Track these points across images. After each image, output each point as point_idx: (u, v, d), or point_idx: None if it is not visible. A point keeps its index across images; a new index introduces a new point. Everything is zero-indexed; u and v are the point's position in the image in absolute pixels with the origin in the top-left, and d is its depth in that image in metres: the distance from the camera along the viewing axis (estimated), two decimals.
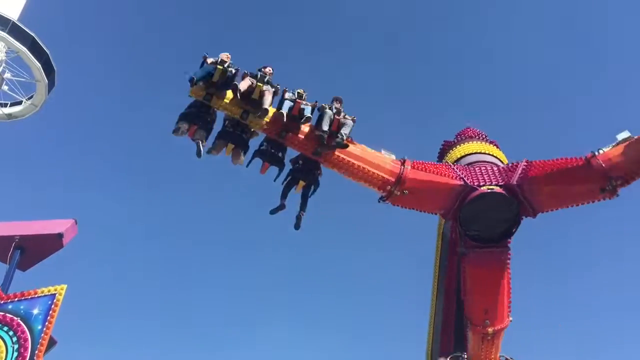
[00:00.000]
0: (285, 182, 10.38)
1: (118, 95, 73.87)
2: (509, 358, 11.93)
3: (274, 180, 10.28)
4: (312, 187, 10.36)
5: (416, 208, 10.58)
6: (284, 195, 10.28)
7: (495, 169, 10.48)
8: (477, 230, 10.04)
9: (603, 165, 9.32)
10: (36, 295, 13.56)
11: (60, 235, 14.97)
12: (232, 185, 70.94)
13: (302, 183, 10.32)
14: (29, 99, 39.69)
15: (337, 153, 9.95)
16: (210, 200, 72.23)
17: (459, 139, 12.42)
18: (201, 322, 65.17)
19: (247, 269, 70.31)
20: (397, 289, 59.35)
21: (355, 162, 9.96)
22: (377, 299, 63.24)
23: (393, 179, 9.88)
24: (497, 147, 12.19)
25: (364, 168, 9.93)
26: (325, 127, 9.74)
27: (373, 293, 64.59)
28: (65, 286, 13.81)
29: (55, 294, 13.56)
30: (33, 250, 14.84)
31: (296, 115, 10.03)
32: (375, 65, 76.91)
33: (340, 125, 9.88)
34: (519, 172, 10.00)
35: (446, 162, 11.90)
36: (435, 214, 10.97)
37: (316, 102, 10.29)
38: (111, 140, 73.49)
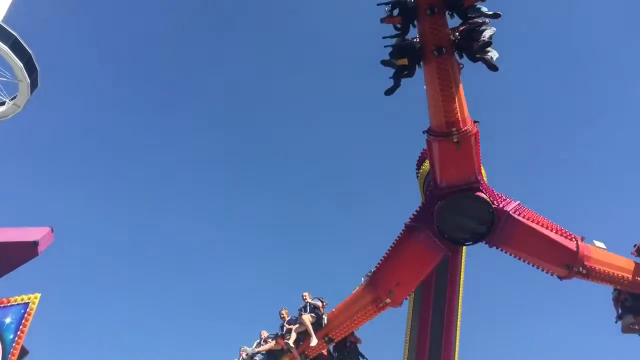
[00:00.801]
0: None
1: (103, 97, 72.94)
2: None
3: None
4: None
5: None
6: None
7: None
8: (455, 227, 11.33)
9: (583, 252, 10.73)
10: (9, 304, 13.38)
11: (35, 243, 14.77)
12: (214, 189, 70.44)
13: None
14: (12, 99, 39.40)
15: None
16: (194, 205, 71.41)
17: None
18: (182, 331, 64.45)
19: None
20: None
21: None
22: None
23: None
24: None
25: None
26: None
27: None
28: (39, 295, 13.68)
29: (28, 303, 13.43)
30: (7, 258, 14.58)
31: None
32: None
33: None
34: (514, 208, 11.12)
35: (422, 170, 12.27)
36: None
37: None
38: (91, 146, 72.24)
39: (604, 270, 11.03)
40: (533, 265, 11.29)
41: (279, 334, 12.86)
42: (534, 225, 10.99)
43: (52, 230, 16.08)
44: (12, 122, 40.17)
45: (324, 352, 12.88)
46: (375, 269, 11.95)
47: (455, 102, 9.92)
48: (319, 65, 77.38)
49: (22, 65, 37.54)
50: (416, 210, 11.97)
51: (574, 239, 10.97)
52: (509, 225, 10.96)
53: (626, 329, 11.66)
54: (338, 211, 70.12)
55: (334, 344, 12.77)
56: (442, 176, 11.18)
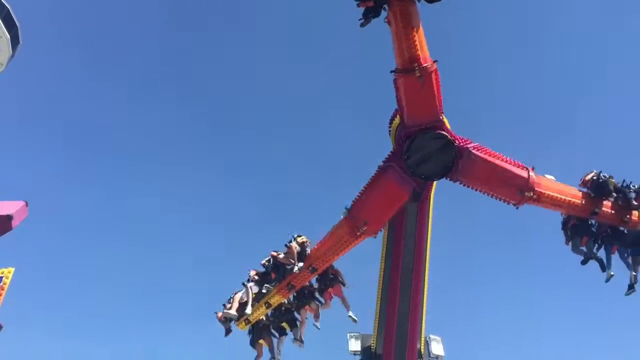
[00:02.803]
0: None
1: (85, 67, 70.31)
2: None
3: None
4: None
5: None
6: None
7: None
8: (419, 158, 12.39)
9: (533, 179, 12.15)
10: None
11: (9, 217, 14.79)
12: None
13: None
14: None
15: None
16: (166, 186, 70.33)
17: None
18: (158, 305, 64.05)
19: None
20: None
21: None
22: None
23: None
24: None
25: None
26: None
27: None
28: (12, 269, 13.75)
29: (1, 277, 13.54)
30: None
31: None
32: None
33: None
34: (474, 145, 12.36)
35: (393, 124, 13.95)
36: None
37: None
38: (69, 119, 70.15)
39: (553, 196, 12.46)
40: (490, 195, 12.64)
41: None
42: (491, 159, 12.37)
43: (27, 205, 16.01)
44: None
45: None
46: (352, 202, 13.13)
47: (416, 41, 11.36)
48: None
49: None
50: (388, 155, 13.36)
51: (525, 169, 12.39)
52: (470, 161, 12.25)
53: (575, 250, 13.06)
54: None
55: (317, 274, 14.06)
56: (409, 114, 12.45)
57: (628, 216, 12.52)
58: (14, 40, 37.83)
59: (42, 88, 67.02)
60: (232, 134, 73.47)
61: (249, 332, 14.70)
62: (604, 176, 12.74)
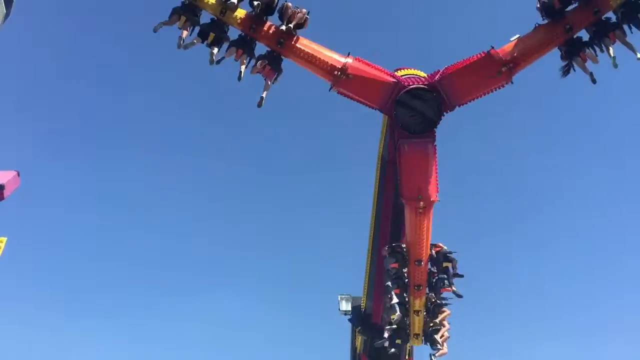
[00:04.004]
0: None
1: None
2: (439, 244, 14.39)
3: (245, 67, 12.22)
4: (276, 73, 12.42)
5: (359, 98, 12.51)
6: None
7: (422, 78, 12.56)
8: (407, 121, 12.14)
9: (499, 53, 11.74)
10: None
11: (1, 187, 14.91)
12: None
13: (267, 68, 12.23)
14: None
15: (297, 45, 12.17)
16: (161, 163, 68.82)
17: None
18: (153, 285, 64.27)
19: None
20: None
21: (310, 51, 12.20)
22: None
23: (340, 65, 12.03)
24: None
25: (317, 56, 12.11)
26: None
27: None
28: (4, 239, 13.95)
29: None
30: None
31: (264, 6, 11.99)
32: None
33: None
34: (439, 74, 12.19)
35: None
36: (375, 108, 12.70)
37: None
38: (64, 88, 68.19)
39: (528, 52, 11.89)
40: (484, 95, 12.35)
41: None
42: (459, 67, 12.11)
43: (19, 174, 16.12)
44: None
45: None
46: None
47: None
48: None
49: None
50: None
51: (489, 51, 11.93)
52: (447, 87, 12.12)
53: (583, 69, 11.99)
54: None
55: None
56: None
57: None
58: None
59: (40, 54, 65.27)
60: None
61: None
62: None
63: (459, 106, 12.37)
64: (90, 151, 63.89)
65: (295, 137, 69.35)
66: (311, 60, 12.15)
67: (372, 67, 12.34)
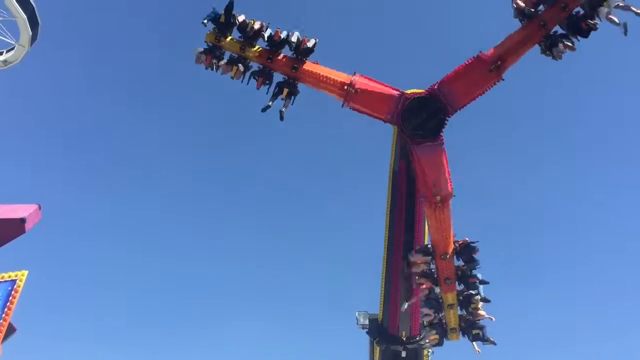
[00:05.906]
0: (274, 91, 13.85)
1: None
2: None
3: (267, 93, 13.87)
4: (293, 95, 13.90)
5: (368, 110, 13.61)
6: (272, 99, 13.81)
7: (423, 92, 13.58)
8: (416, 129, 13.21)
9: (487, 55, 12.85)
10: None
11: (23, 220, 14.67)
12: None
13: (285, 90, 13.73)
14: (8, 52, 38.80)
15: (308, 68, 13.58)
16: (175, 190, 69.36)
17: None
18: (171, 314, 65.05)
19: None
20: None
21: (321, 73, 13.57)
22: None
23: (348, 80, 13.29)
24: None
25: (327, 76, 13.46)
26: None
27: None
28: (26, 272, 13.60)
29: (15, 280, 13.49)
30: None
31: (277, 42, 13.54)
32: None
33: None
34: (437, 83, 13.24)
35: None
36: (385, 120, 13.75)
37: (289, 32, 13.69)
38: (79, 123, 68.53)
39: (513, 46, 12.94)
40: (480, 95, 13.34)
41: None
42: (454, 73, 13.24)
43: (40, 208, 16.36)
44: None
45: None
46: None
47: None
48: None
49: None
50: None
51: (478, 55, 13.09)
52: (446, 92, 13.19)
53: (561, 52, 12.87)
54: None
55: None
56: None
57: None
58: (33, 22, 37.16)
59: (55, 87, 66.10)
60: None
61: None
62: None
63: (460, 109, 13.32)
64: (106, 178, 64.52)
65: (309, 156, 70.21)
66: (323, 80, 13.50)
67: (375, 82, 13.51)
